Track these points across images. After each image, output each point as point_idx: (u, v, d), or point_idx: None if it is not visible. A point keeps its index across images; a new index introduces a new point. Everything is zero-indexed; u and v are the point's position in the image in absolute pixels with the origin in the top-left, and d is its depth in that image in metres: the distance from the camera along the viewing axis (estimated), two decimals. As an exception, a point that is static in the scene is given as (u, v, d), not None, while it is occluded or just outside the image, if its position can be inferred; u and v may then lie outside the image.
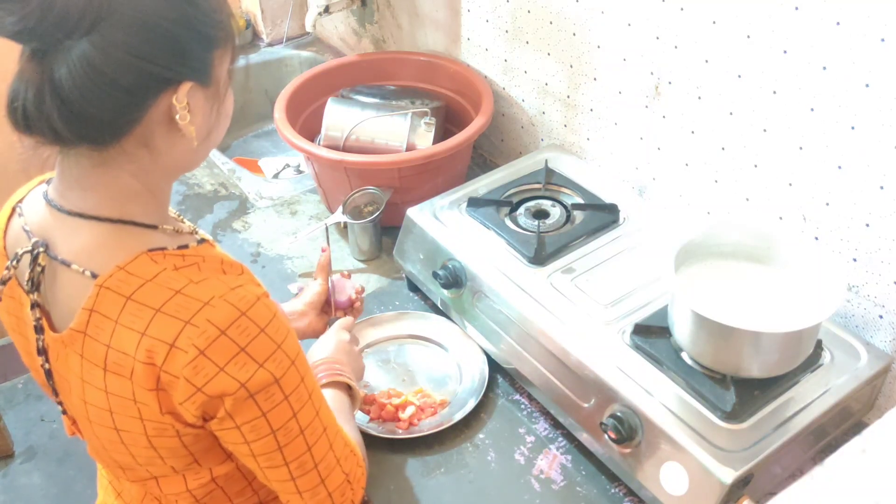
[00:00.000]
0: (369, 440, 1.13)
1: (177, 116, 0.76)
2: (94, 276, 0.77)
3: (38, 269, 0.80)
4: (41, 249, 0.80)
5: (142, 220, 0.81)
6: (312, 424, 0.84)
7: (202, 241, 0.84)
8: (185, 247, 0.81)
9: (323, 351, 1.10)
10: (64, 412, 0.90)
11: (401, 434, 1.15)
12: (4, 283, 0.83)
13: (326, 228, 1.46)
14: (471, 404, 1.18)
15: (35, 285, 0.80)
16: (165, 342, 0.75)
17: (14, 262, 0.82)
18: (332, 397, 1.04)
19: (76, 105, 0.71)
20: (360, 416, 1.18)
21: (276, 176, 1.90)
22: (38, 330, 0.82)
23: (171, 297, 0.76)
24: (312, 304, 1.23)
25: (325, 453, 0.86)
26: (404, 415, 1.18)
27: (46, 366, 0.84)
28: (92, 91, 0.71)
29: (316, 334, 1.20)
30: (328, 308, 1.26)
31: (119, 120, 0.74)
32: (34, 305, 0.81)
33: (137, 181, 0.80)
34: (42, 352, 0.83)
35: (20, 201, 0.87)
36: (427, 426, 1.16)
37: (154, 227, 0.82)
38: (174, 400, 0.78)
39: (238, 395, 0.77)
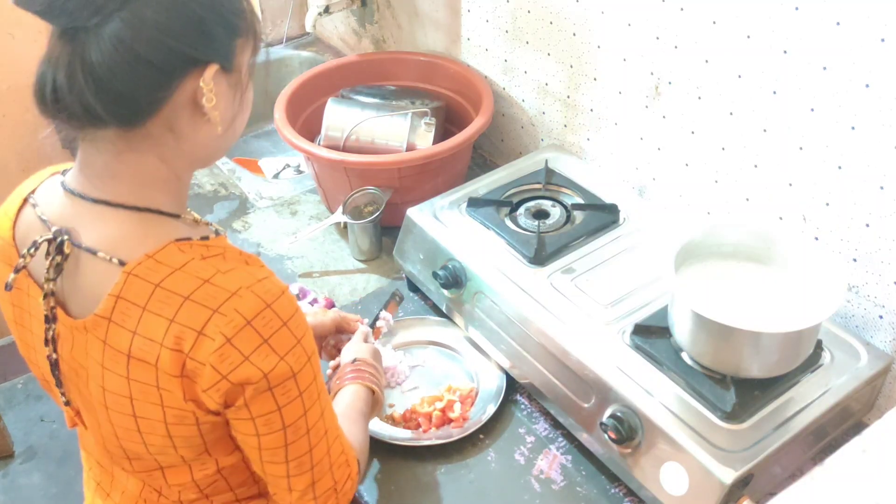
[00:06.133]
0: (375, 444, 1.13)
1: (203, 99, 0.78)
2: (121, 263, 0.78)
3: (60, 257, 0.80)
4: (65, 238, 0.80)
5: (166, 208, 0.82)
6: (317, 426, 0.85)
7: (217, 232, 0.86)
8: (206, 238, 0.83)
9: (357, 352, 1.13)
10: (67, 403, 0.90)
11: (458, 435, 1.14)
12: (18, 270, 0.83)
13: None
14: (490, 409, 1.18)
15: (56, 273, 0.81)
16: (194, 329, 0.76)
17: (32, 251, 0.81)
18: (353, 393, 1.05)
19: (106, 82, 0.73)
20: (406, 434, 1.16)
21: (276, 176, 1.90)
22: (49, 319, 0.82)
23: (199, 286, 0.77)
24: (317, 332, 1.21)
25: (322, 456, 0.86)
26: (454, 413, 1.18)
27: (54, 356, 0.84)
28: (122, 67, 0.72)
29: None
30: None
31: (147, 98, 0.76)
32: (48, 295, 0.81)
33: (165, 165, 0.81)
34: (50, 342, 0.83)
35: (32, 192, 0.88)
36: (471, 425, 1.16)
37: (177, 216, 0.83)
38: (198, 387, 0.78)
39: (259, 386, 0.78)
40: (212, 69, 0.77)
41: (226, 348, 0.76)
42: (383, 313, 1.29)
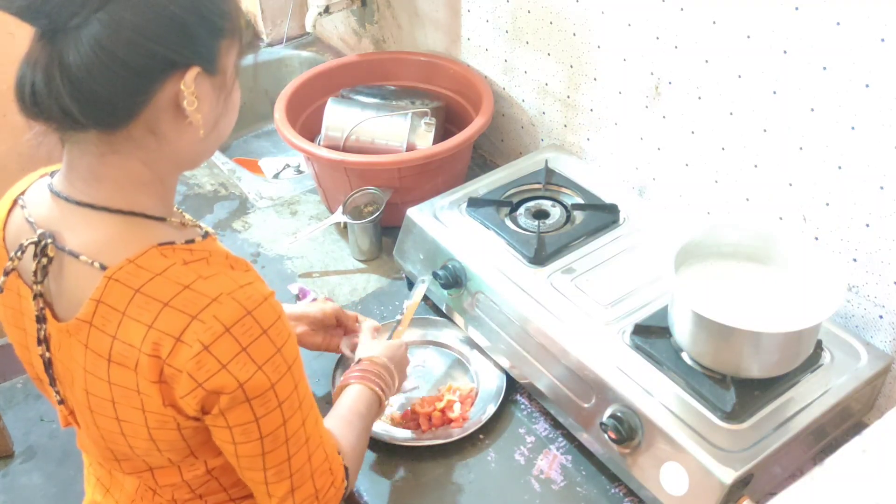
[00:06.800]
0: (375, 444, 1.13)
1: (184, 102, 0.76)
2: (103, 267, 0.78)
3: (45, 260, 0.80)
4: (49, 241, 0.79)
5: (151, 212, 0.81)
6: (297, 434, 0.84)
7: (206, 234, 0.85)
8: (192, 241, 0.82)
9: (370, 350, 1.12)
10: (61, 402, 0.90)
11: (458, 435, 1.14)
12: (7, 273, 0.83)
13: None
14: (490, 409, 1.17)
15: (43, 276, 0.80)
16: (172, 336, 0.75)
17: (19, 253, 0.81)
18: (355, 393, 1.05)
19: (84, 85, 0.72)
20: (406, 434, 1.16)
21: (276, 176, 1.90)
22: (40, 320, 0.82)
23: (179, 292, 0.76)
24: (315, 320, 1.22)
25: (301, 464, 0.86)
26: (454, 413, 1.17)
27: (47, 355, 0.84)
28: (100, 71, 0.71)
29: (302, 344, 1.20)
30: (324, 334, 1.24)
31: (126, 102, 0.75)
32: (37, 296, 0.81)
33: (148, 169, 0.80)
34: (42, 341, 0.83)
35: (21, 194, 0.87)
36: (471, 425, 1.16)
37: (162, 219, 0.82)
38: (176, 393, 0.78)
39: (235, 396, 0.78)
40: (193, 72, 0.76)
41: (203, 356, 0.75)
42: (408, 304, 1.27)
